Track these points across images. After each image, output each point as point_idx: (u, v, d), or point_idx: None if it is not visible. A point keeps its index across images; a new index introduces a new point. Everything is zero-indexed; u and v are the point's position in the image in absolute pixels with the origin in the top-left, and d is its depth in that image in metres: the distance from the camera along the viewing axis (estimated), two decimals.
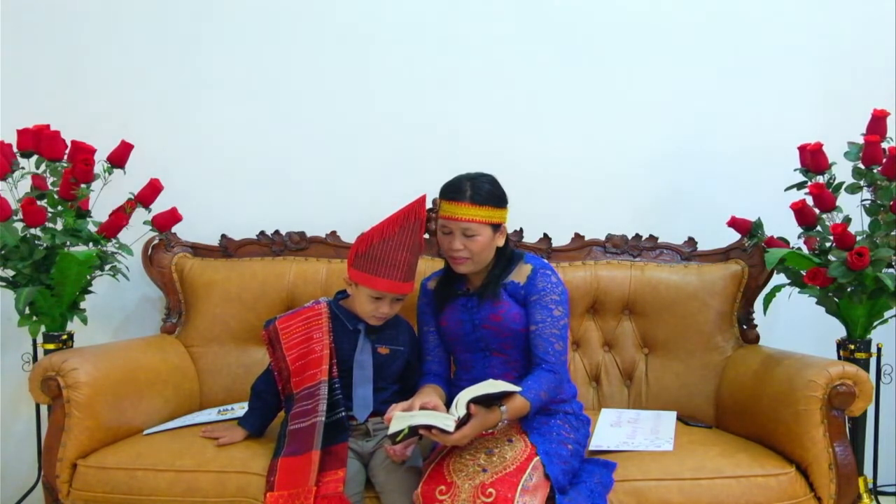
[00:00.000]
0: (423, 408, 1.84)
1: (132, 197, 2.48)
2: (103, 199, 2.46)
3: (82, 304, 2.46)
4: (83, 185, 2.36)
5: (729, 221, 2.55)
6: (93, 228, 2.42)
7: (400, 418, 1.80)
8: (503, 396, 1.84)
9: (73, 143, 2.41)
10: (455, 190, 1.98)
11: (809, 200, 2.36)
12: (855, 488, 2.03)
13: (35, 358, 2.46)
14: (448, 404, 1.87)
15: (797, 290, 2.39)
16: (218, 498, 1.97)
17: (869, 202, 2.34)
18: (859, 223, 2.34)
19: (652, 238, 2.64)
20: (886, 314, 2.35)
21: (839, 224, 2.29)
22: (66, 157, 2.41)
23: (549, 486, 1.82)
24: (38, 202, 2.32)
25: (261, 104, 2.80)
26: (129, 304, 2.78)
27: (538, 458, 1.84)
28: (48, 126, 2.40)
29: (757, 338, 2.51)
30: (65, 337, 2.42)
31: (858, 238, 2.29)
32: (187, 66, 2.79)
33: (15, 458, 2.74)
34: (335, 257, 2.63)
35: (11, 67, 2.75)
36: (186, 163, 2.76)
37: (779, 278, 2.43)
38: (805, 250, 2.37)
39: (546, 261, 2.14)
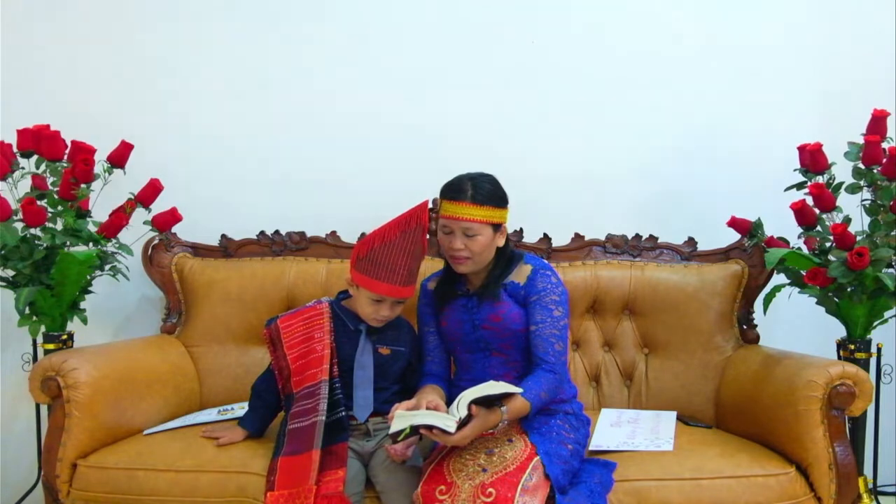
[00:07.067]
0: (426, 407, 1.84)
1: (132, 197, 2.48)
2: (103, 199, 2.47)
3: (82, 304, 2.46)
4: (83, 185, 2.36)
5: (729, 221, 2.55)
6: (93, 228, 2.41)
7: (401, 417, 1.80)
8: (504, 397, 1.84)
9: (73, 143, 2.41)
10: (456, 189, 1.98)
11: (809, 200, 2.36)
12: (855, 488, 2.03)
13: (35, 358, 2.46)
14: (448, 405, 1.87)
15: (797, 290, 2.39)
16: (218, 498, 1.97)
17: (869, 202, 2.34)
18: (859, 223, 2.34)
19: (652, 238, 2.64)
20: (886, 314, 2.36)
21: (839, 224, 2.29)
22: (66, 157, 2.42)
23: (549, 486, 1.82)
24: (38, 202, 2.32)
25: (261, 104, 2.79)
26: (129, 304, 2.78)
27: (538, 457, 1.84)
28: (48, 126, 2.40)
29: (757, 338, 2.51)
30: (65, 337, 2.41)
31: (858, 238, 2.29)
32: (187, 66, 2.79)
33: (15, 458, 2.74)
34: (335, 257, 2.63)
35: (11, 67, 2.75)
36: (186, 163, 2.76)
37: (779, 278, 2.43)
38: (805, 250, 2.37)
39: (546, 261, 2.14)
